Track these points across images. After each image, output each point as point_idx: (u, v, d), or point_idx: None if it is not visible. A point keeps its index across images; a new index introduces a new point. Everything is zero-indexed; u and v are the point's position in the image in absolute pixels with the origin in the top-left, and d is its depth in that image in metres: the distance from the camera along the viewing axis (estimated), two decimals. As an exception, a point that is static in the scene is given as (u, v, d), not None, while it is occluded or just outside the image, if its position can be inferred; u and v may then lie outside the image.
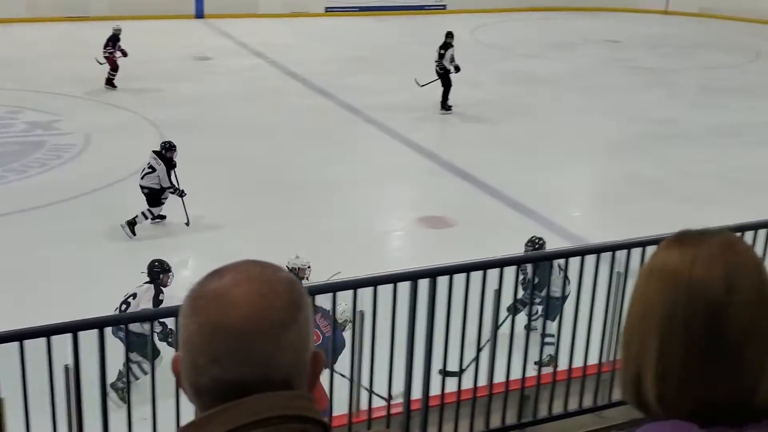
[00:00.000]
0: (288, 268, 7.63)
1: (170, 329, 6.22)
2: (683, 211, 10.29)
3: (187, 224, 10.11)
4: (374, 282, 3.98)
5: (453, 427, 4.37)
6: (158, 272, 7.23)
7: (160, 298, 7.07)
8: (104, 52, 16.01)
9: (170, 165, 10.21)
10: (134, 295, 7.07)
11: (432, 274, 4.11)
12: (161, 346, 6.04)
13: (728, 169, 12.36)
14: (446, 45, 15.37)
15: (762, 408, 1.17)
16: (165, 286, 7.19)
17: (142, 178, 10.09)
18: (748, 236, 4.67)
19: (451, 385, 4.36)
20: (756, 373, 1.17)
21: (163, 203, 10.20)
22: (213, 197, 10.95)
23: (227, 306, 1.12)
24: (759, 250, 4.66)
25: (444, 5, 26.02)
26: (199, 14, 23.78)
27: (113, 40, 15.99)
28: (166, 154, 10.24)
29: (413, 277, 4.08)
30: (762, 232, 4.76)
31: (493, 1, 25.19)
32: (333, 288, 3.95)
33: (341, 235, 9.74)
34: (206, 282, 1.16)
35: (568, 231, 10.14)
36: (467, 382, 4.32)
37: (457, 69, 15.09)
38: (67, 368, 3.58)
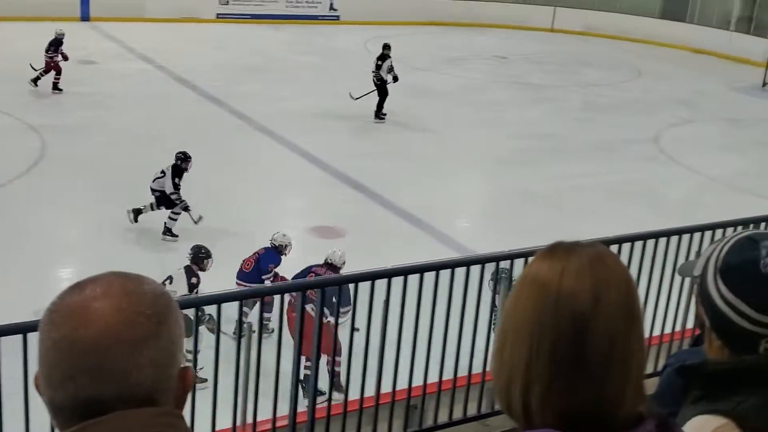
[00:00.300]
0: (274, 244, 8.21)
1: (209, 315, 5.79)
2: (567, 223, 10.62)
3: (197, 221, 10.33)
4: (260, 293, 3.94)
5: (340, 438, 4.36)
6: (203, 257, 7.68)
7: (193, 281, 7.36)
8: (45, 56, 15.77)
9: (178, 173, 10.38)
10: (170, 279, 7.23)
11: (320, 285, 4.10)
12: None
13: (609, 183, 12.83)
14: (384, 56, 15.71)
15: (626, 419, 1.20)
16: (204, 270, 7.62)
17: (153, 181, 10.42)
18: (625, 248, 4.84)
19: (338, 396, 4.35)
20: (620, 386, 1.19)
21: (178, 208, 10.35)
22: (95, 203, 10.63)
23: (83, 321, 1.09)
24: (636, 261, 4.85)
25: (337, 16, 26.11)
26: (85, 17, 23.09)
27: (55, 44, 15.84)
28: (181, 164, 10.46)
29: (302, 288, 4.06)
30: (638, 244, 4.95)
31: (386, 14, 25.41)
32: (219, 300, 3.88)
33: (230, 245, 9.60)
34: (66, 295, 1.13)
35: (456, 242, 10.31)
36: (354, 393, 4.32)
37: (395, 79, 15.52)
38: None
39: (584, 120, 17.06)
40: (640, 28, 26.19)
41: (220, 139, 13.79)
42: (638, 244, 4.94)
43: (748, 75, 21.60)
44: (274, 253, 8.38)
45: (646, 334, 4.45)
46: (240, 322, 4.03)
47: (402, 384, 4.51)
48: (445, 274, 4.46)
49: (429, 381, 4.57)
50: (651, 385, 1.81)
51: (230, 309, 4.01)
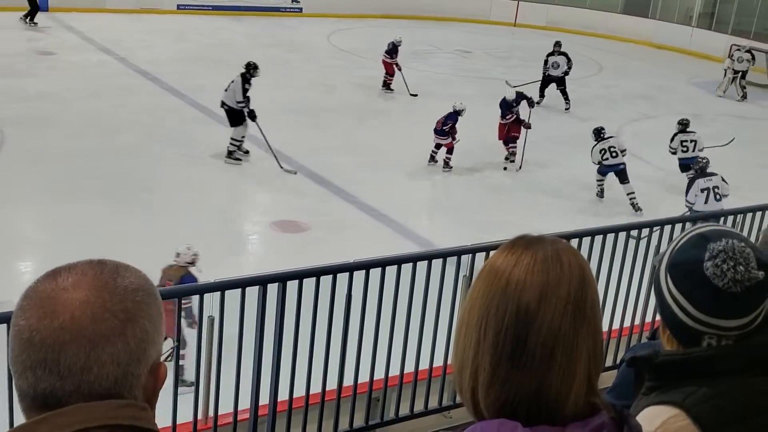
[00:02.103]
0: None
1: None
2: (527, 217, 10.70)
3: (292, 172, 11.47)
4: (222, 287, 3.91)
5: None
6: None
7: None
8: (385, 58, 17.54)
9: (246, 81, 11.72)
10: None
11: (281, 278, 4.08)
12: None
13: (570, 177, 12.93)
14: (555, 53, 17.51)
15: (575, 412, 1.22)
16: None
17: (225, 91, 11.73)
18: (586, 242, 4.89)
19: (300, 389, 4.34)
20: (563, 381, 1.21)
21: (244, 126, 11.65)
22: (56, 197, 10.48)
23: (48, 312, 1.08)
24: (596, 255, 4.89)
25: (300, 8, 26.00)
26: (43, 7, 22.69)
27: (393, 50, 17.51)
28: (248, 72, 11.88)
29: (262, 281, 4.04)
30: (598, 238, 4.99)
31: (349, 7, 25.37)
32: (177, 293, 3.84)
33: (190, 239, 9.51)
34: (39, 282, 1.12)
35: (419, 235, 10.33)
36: (315, 386, 4.31)
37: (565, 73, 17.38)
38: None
39: (546, 115, 17.15)
40: (603, 23, 26.44)
41: (180, 131, 13.67)
42: (598, 239, 4.98)
43: (709, 71, 21.89)
44: None
45: (615, 326, 4.48)
46: (200, 315, 4.01)
47: (364, 377, 4.51)
48: (406, 268, 4.47)
49: (391, 374, 4.58)
50: (610, 378, 1.83)
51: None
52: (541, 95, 17.54)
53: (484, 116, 16.05)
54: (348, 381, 4.46)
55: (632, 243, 5.07)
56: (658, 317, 1.59)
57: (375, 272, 4.36)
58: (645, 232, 5.28)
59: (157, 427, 1.14)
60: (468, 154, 13.75)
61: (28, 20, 20.56)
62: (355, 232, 10.21)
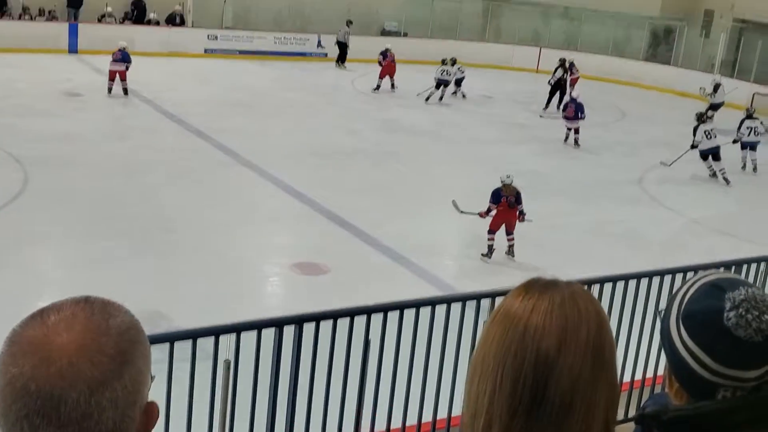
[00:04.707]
0: None
1: None
2: (549, 262, 10.60)
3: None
4: (238, 329, 3.88)
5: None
6: None
7: None
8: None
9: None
10: None
11: (298, 320, 4.05)
12: None
13: (592, 223, 12.85)
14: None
15: None
16: None
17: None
18: (607, 288, 4.82)
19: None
20: (582, 431, 1.17)
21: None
22: (81, 237, 10.55)
23: (43, 358, 1.04)
24: (617, 302, 4.82)
25: (326, 53, 26.25)
26: (73, 49, 23.13)
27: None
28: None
29: (278, 323, 4.01)
30: (620, 285, 4.93)
31: (373, 52, 25.50)
32: (192, 335, 3.81)
33: (212, 280, 9.53)
34: (27, 326, 1.08)
35: (438, 279, 10.27)
36: (330, 430, 4.25)
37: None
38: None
39: (568, 159, 17.15)
40: (626, 70, 26.48)
41: (204, 173, 13.76)
42: (620, 285, 4.92)
43: (732, 118, 21.79)
44: None
45: (626, 378, 4.40)
46: (215, 358, 3.97)
47: (381, 424, 4.44)
48: (425, 311, 4.42)
49: (408, 423, 4.51)
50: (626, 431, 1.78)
51: (207, 343, 3.95)
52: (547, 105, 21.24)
53: (505, 159, 16.07)
54: (364, 428, 4.40)
55: (644, 289, 4.99)
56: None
57: (393, 315, 4.32)
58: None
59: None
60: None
61: (338, 64, 24.99)
62: (375, 275, 10.16)
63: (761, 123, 16.90)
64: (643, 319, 5.01)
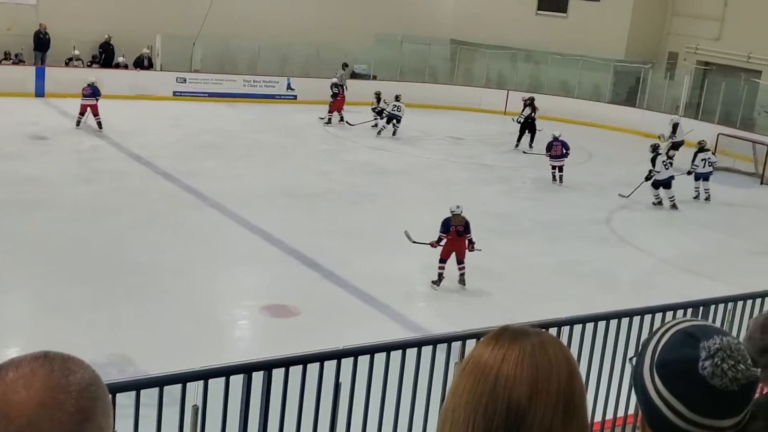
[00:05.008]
0: None
1: None
2: (519, 302, 10.63)
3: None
4: (205, 375, 3.82)
5: None
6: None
7: None
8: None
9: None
10: None
11: (267, 366, 3.99)
12: None
13: (560, 263, 12.90)
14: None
15: None
16: None
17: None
18: (577, 329, 4.83)
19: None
20: None
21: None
22: (47, 281, 10.39)
23: (2, 417, 1.01)
24: (587, 343, 4.82)
25: (295, 95, 26.35)
26: (40, 93, 23.00)
27: None
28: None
29: (247, 369, 3.95)
30: (589, 326, 4.93)
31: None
32: (159, 382, 3.74)
33: (180, 324, 9.42)
34: None
35: (410, 320, 10.23)
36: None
37: None
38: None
39: (537, 200, 17.27)
40: (591, 112, 26.82)
41: (173, 215, 13.67)
42: (589, 326, 4.92)
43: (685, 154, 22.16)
44: None
45: (597, 418, 4.38)
46: (182, 405, 3.90)
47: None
48: (396, 354, 4.39)
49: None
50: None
51: (174, 388, 3.88)
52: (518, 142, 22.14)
53: (475, 200, 16.15)
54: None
55: (613, 330, 5.00)
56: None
57: (363, 359, 4.28)
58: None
59: None
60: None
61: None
62: (345, 317, 10.11)
63: (713, 154, 18.48)
64: (613, 359, 5.01)
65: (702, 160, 17.85)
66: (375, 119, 22.48)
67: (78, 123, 19.16)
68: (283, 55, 27.14)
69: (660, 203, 16.97)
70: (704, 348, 1.40)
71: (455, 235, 11.36)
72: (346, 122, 22.94)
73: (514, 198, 17.16)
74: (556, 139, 18.55)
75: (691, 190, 17.83)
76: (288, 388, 4.04)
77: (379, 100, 22.79)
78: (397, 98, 22.30)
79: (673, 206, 16.90)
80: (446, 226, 11.39)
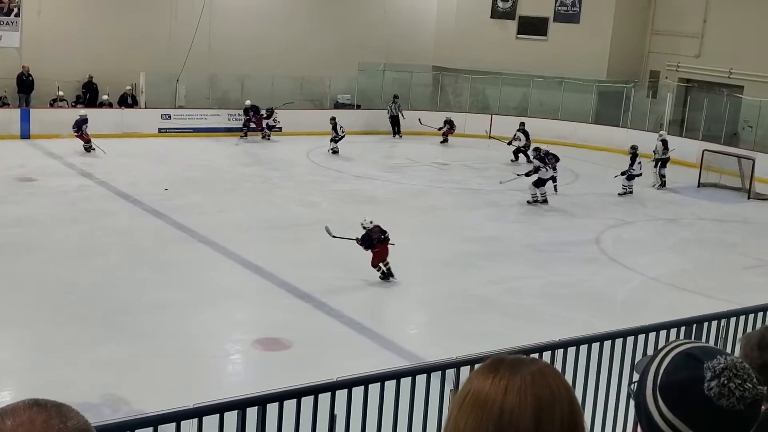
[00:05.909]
0: None
1: None
2: (511, 326, 10.61)
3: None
4: (199, 413, 3.78)
5: None
6: None
7: None
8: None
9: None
10: None
11: (261, 401, 3.96)
12: None
13: (551, 285, 12.90)
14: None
15: None
16: None
17: None
18: (571, 351, 4.81)
19: None
20: None
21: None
22: (36, 323, 10.31)
23: None
24: (582, 365, 4.81)
25: (280, 127, 26.37)
26: (25, 135, 22.94)
27: None
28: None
29: (241, 405, 3.91)
30: (583, 348, 4.92)
31: (327, 125, 25.69)
32: (153, 422, 3.70)
33: (172, 361, 9.35)
34: None
35: (403, 348, 10.18)
36: None
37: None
38: None
39: (525, 223, 17.31)
40: (576, 133, 26.97)
41: (161, 252, 13.62)
42: (583, 348, 4.91)
43: (683, 176, 22.28)
44: None
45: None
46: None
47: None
48: (390, 384, 4.36)
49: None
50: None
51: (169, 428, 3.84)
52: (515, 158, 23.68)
53: (463, 225, 16.20)
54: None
55: (607, 351, 4.99)
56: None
57: (358, 390, 4.25)
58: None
59: None
60: (449, 264, 13.76)
61: (396, 136, 26.90)
62: (338, 348, 10.05)
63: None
64: (609, 381, 5.00)
65: (638, 163, 20.20)
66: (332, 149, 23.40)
67: (86, 149, 21.46)
68: (267, 88, 27.17)
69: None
70: (708, 368, 1.39)
71: (380, 243, 12.36)
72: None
73: (502, 222, 17.18)
74: (547, 153, 19.45)
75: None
76: (283, 423, 4.01)
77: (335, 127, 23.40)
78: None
79: (545, 201, 18.64)
80: (369, 240, 12.31)
